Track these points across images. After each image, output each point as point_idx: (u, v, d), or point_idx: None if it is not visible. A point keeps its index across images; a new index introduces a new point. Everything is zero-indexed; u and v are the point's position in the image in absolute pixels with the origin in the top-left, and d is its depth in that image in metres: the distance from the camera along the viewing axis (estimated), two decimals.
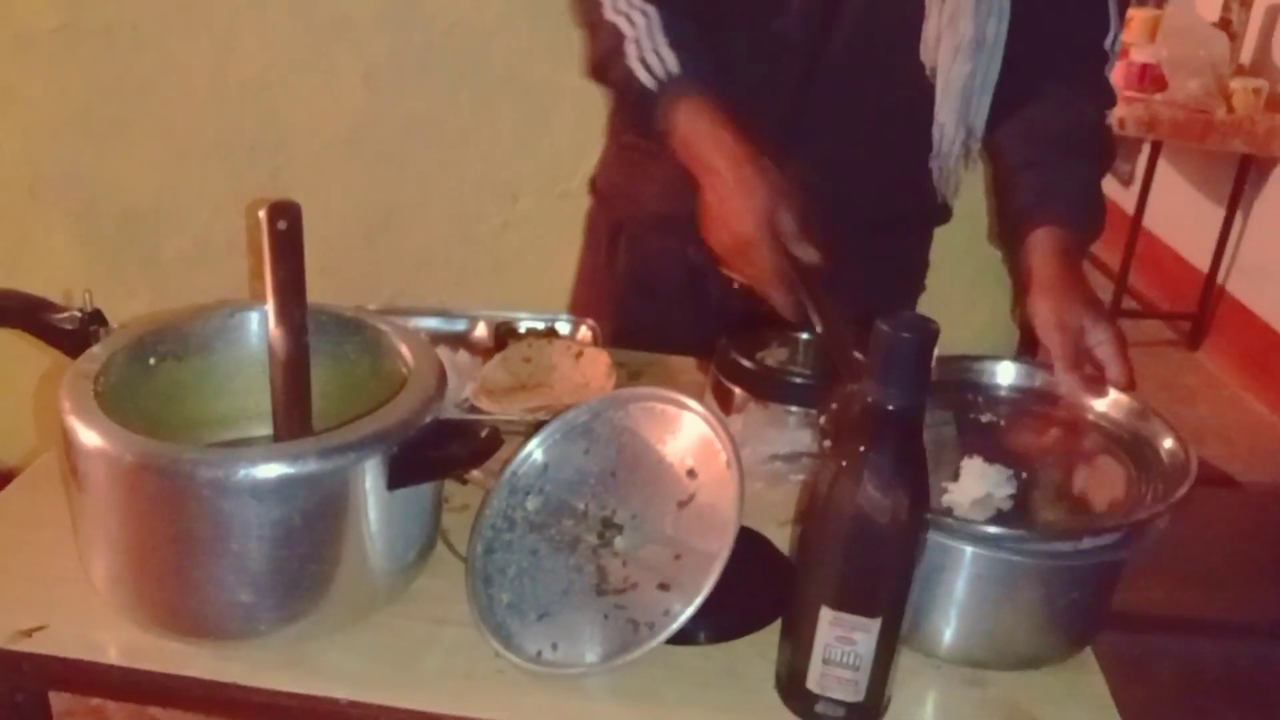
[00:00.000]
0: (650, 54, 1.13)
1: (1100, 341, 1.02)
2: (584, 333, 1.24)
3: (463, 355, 1.18)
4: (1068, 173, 1.16)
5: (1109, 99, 1.25)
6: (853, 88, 1.21)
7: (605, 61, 1.17)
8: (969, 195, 1.87)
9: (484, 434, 0.82)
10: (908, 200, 1.32)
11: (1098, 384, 1.00)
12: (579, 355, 1.19)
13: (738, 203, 1.06)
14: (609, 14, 1.16)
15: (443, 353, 1.09)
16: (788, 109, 1.22)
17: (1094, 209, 1.16)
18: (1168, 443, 0.93)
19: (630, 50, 1.14)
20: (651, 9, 1.15)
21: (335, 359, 0.97)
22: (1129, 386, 1.00)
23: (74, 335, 0.88)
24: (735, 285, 1.14)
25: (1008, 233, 1.16)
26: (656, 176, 1.30)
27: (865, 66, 1.20)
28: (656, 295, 1.36)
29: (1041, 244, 1.09)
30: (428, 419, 0.83)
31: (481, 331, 1.26)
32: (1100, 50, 1.22)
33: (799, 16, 1.18)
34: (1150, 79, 3.41)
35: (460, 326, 1.26)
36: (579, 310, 1.37)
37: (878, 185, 1.26)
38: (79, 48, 1.87)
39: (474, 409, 1.10)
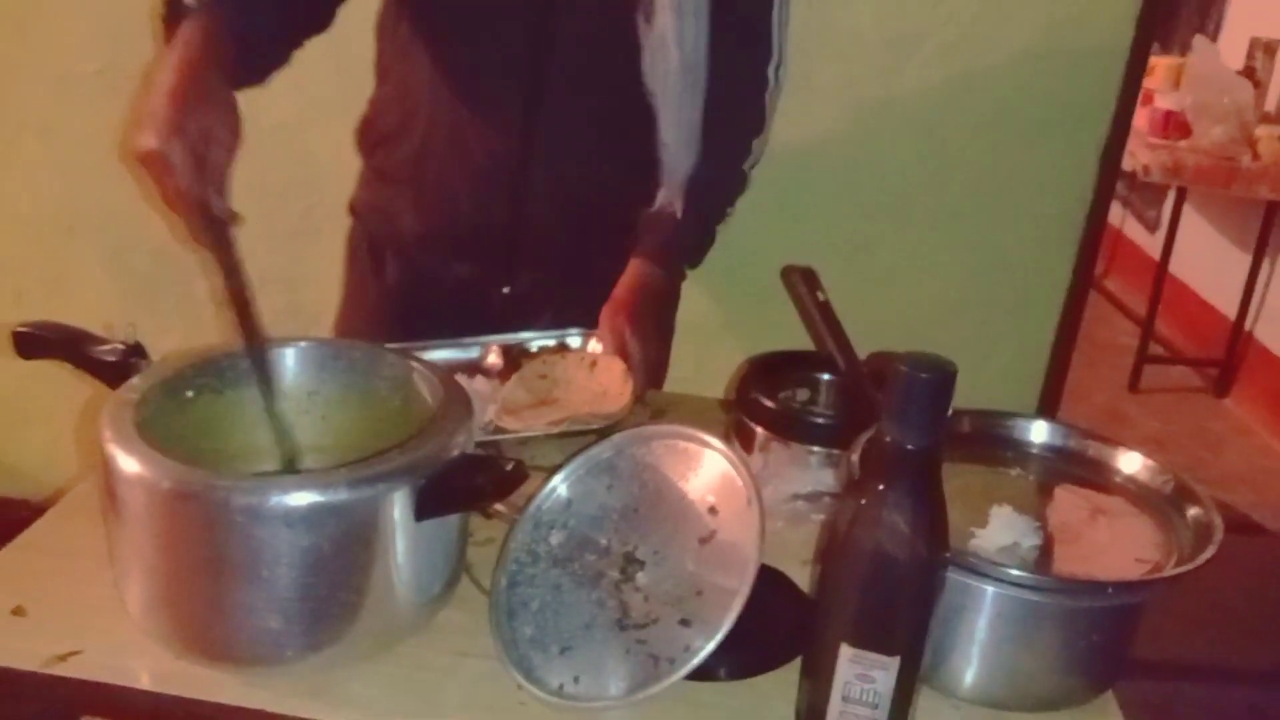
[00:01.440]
0: None
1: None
2: (594, 345, 1.26)
3: (480, 381, 1.20)
4: (670, 212, 1.27)
5: (758, 128, 1.33)
6: (582, 108, 1.26)
7: None
8: (992, 249, 1.90)
9: (509, 467, 0.83)
10: (645, 207, 1.33)
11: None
12: (593, 365, 1.21)
13: (154, 114, 0.96)
14: None
15: (460, 380, 1.11)
16: (524, 127, 1.26)
17: (687, 245, 1.30)
18: (1194, 508, 0.93)
19: None
20: None
21: (365, 394, 0.99)
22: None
23: (115, 367, 0.90)
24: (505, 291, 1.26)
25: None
26: (407, 196, 1.35)
27: (591, 88, 1.26)
28: (430, 310, 1.36)
29: (627, 273, 1.24)
30: (455, 452, 0.85)
31: (494, 357, 1.28)
32: (762, 75, 1.30)
33: (520, 40, 1.24)
34: (1174, 126, 3.43)
35: (473, 354, 1.28)
36: (345, 332, 1.41)
37: (615, 202, 1.30)
38: (118, 89, 1.93)
39: (499, 430, 1.12)
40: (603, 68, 1.25)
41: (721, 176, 1.32)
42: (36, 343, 0.92)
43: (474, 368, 1.26)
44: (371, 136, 1.41)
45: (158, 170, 0.95)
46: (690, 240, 1.31)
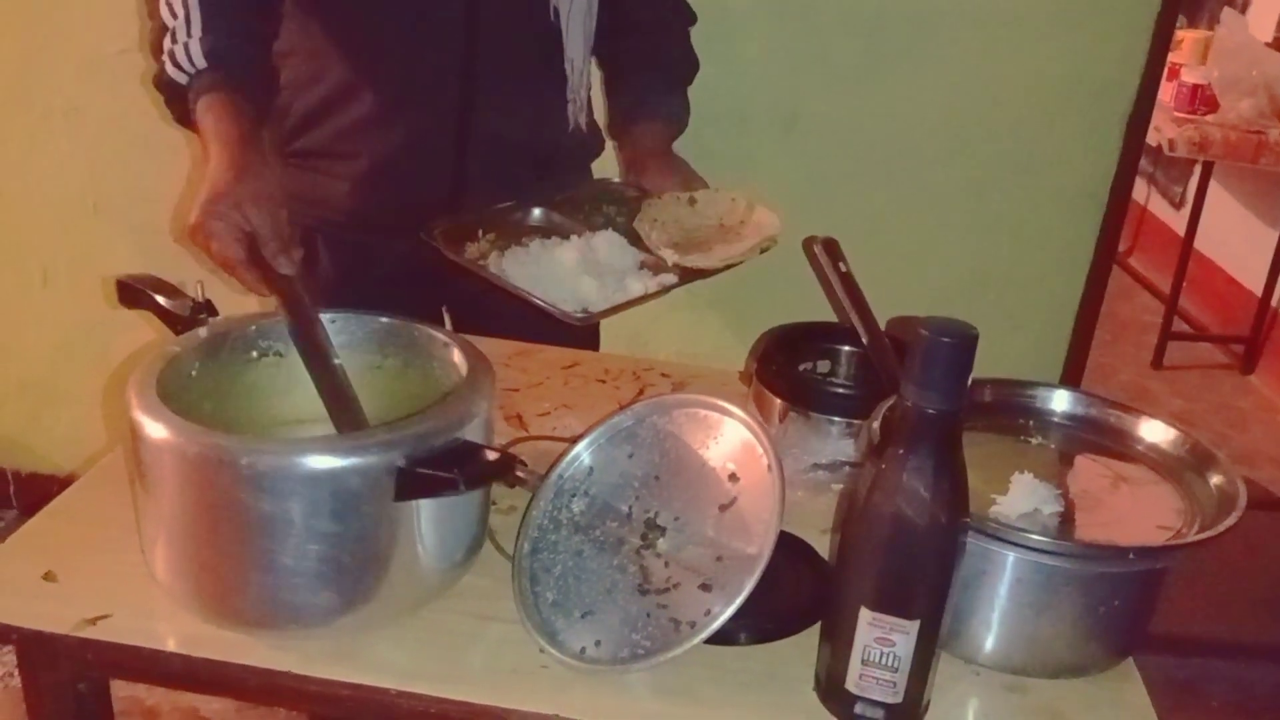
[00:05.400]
0: (180, 50, 1.13)
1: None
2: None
3: (568, 248, 1.22)
4: (659, 78, 1.46)
5: (691, 17, 1.51)
6: (508, 37, 1.33)
7: (155, 54, 1.16)
8: (1014, 223, 1.89)
9: (493, 457, 0.84)
10: (562, 135, 1.43)
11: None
12: (692, 202, 1.32)
13: (206, 187, 1.04)
14: (161, 3, 1.16)
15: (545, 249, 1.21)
16: (459, 59, 1.31)
17: (678, 108, 1.46)
18: (1217, 476, 0.92)
19: (167, 43, 1.14)
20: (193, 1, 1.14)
21: (423, 372, 0.99)
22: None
23: (186, 321, 0.95)
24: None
25: (617, 129, 1.49)
26: (340, 174, 1.36)
27: (515, 18, 1.33)
28: (369, 290, 1.27)
29: (643, 134, 1.42)
30: (440, 440, 0.82)
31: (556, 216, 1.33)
32: None
33: None
34: (1201, 100, 3.38)
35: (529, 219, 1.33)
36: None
37: (539, 123, 1.39)
38: (142, 69, 1.94)
39: (686, 270, 1.21)
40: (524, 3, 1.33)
41: (678, 53, 1.49)
42: (133, 293, 0.97)
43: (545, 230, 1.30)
44: (287, 123, 1.38)
45: (201, 241, 1.02)
46: (675, 111, 1.46)
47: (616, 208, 1.36)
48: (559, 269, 1.18)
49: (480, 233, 1.26)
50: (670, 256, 1.22)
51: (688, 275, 1.21)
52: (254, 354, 0.98)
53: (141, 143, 2.00)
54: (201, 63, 1.12)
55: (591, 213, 1.34)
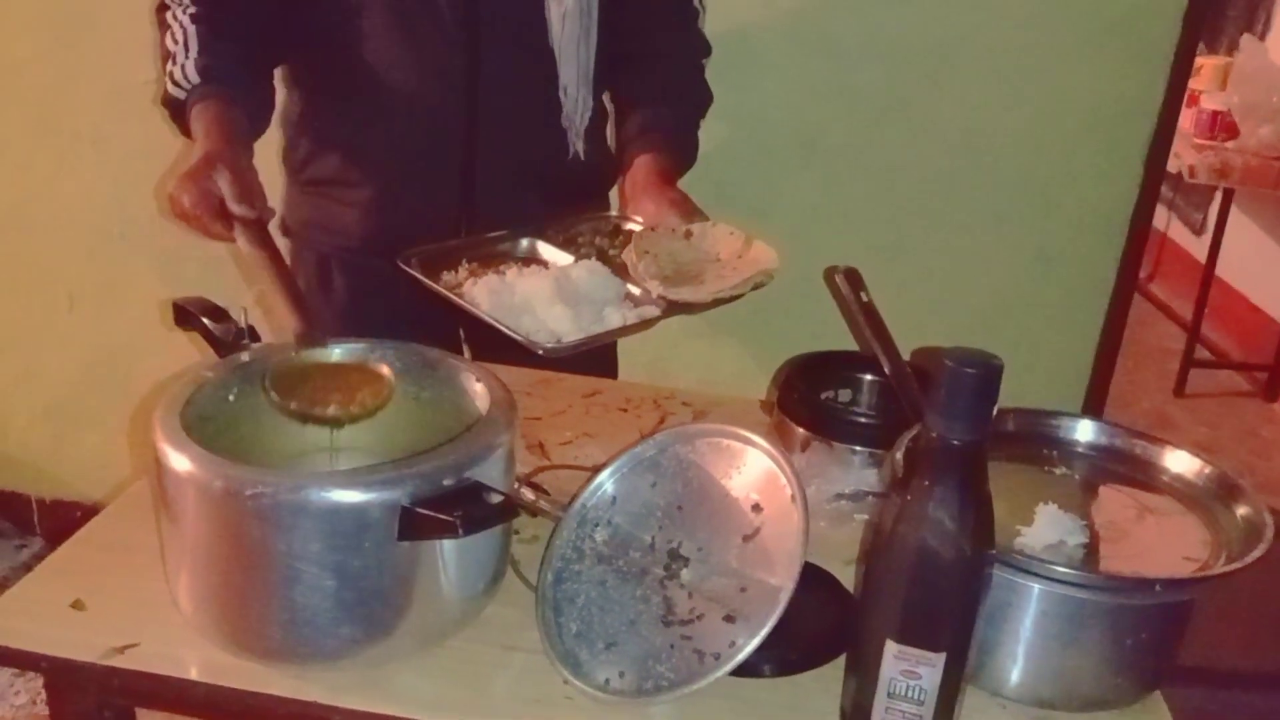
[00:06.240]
0: (179, 70, 1.25)
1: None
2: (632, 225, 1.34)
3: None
4: (666, 112, 1.42)
5: (705, 49, 1.49)
6: (509, 63, 1.36)
7: (165, 71, 1.28)
8: (1036, 251, 1.89)
9: (496, 501, 0.83)
10: (567, 162, 1.43)
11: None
12: (688, 235, 1.26)
13: (183, 167, 1.15)
14: (167, 21, 1.28)
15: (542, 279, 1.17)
16: (461, 88, 1.35)
17: (685, 141, 1.44)
18: (1243, 506, 0.92)
19: (169, 66, 1.26)
20: (190, 26, 1.26)
21: (455, 405, 0.99)
22: None
23: (228, 345, 0.97)
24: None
25: (619, 160, 1.43)
26: (350, 201, 1.40)
27: (516, 44, 1.35)
28: (385, 315, 1.34)
29: (642, 165, 1.36)
30: (448, 480, 0.82)
31: (546, 250, 1.30)
32: (690, 7, 1.46)
33: (448, 16, 1.32)
34: (1221, 126, 3.38)
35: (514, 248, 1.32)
36: None
37: (543, 150, 1.42)
38: None
39: (672, 303, 1.16)
40: (524, 29, 1.35)
41: (688, 87, 1.47)
42: (185, 314, 0.99)
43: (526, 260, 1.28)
44: (298, 153, 1.45)
45: (177, 211, 1.14)
46: (682, 144, 1.43)
47: (610, 239, 1.33)
48: (532, 298, 1.14)
49: (464, 260, 1.25)
50: (655, 288, 1.17)
51: (673, 309, 1.17)
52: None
53: (166, 170, 2.02)
54: (195, 79, 1.24)
55: (584, 244, 1.32)
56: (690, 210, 1.30)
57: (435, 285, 1.20)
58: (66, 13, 1.99)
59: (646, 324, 1.16)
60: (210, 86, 1.24)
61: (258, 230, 1.11)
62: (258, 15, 1.32)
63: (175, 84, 1.25)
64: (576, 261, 1.24)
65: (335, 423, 0.97)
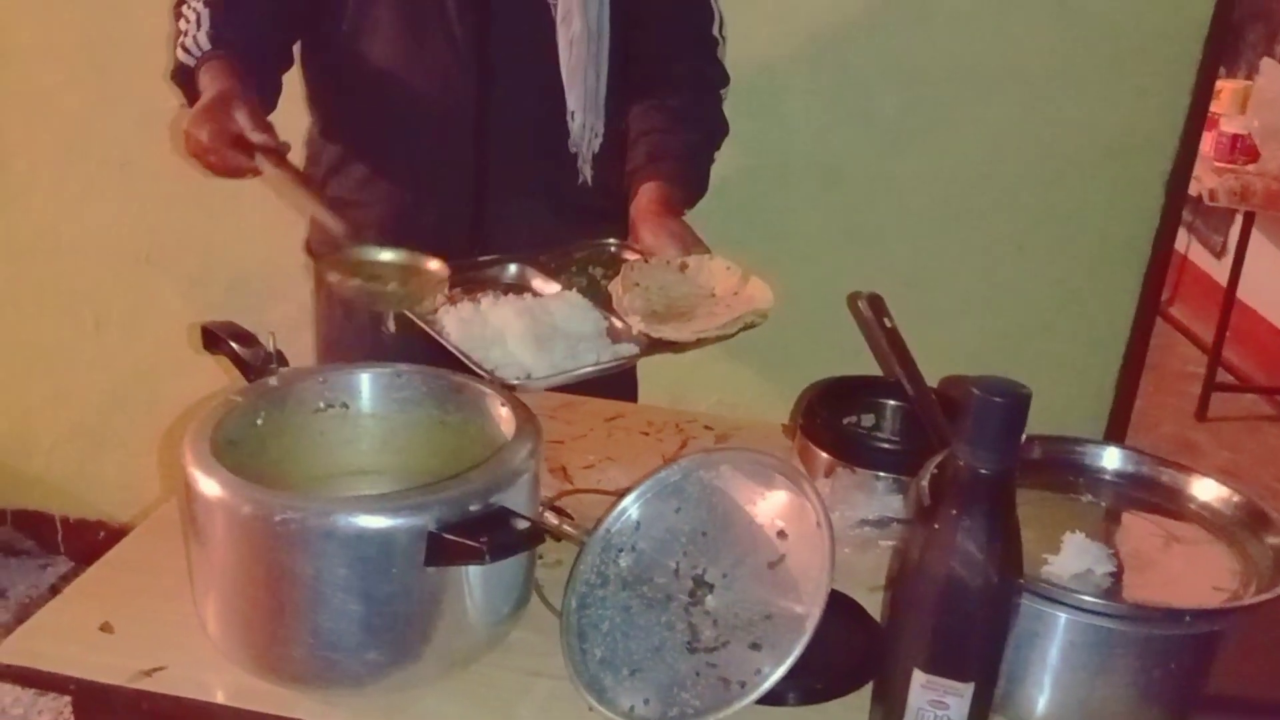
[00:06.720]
0: (190, 40, 1.28)
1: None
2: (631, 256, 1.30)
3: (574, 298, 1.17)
4: (675, 141, 1.39)
5: (723, 80, 1.48)
6: (519, 86, 1.37)
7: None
8: (1057, 276, 1.88)
9: (522, 527, 0.82)
10: (577, 187, 1.44)
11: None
12: (683, 268, 1.23)
13: (194, 109, 1.20)
14: (183, 12, 1.31)
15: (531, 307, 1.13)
16: (475, 113, 1.36)
17: (694, 171, 1.41)
18: (1273, 536, 0.91)
19: (180, 41, 1.29)
20: (204, 10, 1.29)
21: (481, 429, 0.99)
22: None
23: (255, 370, 0.98)
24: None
25: (627, 189, 1.39)
26: (366, 222, 1.38)
27: (527, 68, 1.37)
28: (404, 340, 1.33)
29: (646, 193, 1.34)
30: (482, 505, 0.82)
31: (538, 280, 1.25)
32: (710, 36, 1.45)
33: (460, 41, 1.34)
34: (1242, 150, 3.37)
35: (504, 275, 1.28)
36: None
37: (552, 174, 1.42)
38: None
39: (655, 341, 1.11)
40: (535, 53, 1.36)
41: (701, 116, 1.45)
42: (214, 338, 1.01)
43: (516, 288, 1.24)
44: (318, 172, 1.46)
45: (193, 148, 1.18)
46: (690, 174, 1.40)
47: (604, 269, 1.29)
48: (504, 329, 1.09)
49: (448, 285, 1.20)
50: (636, 324, 1.11)
51: (654, 346, 1.11)
52: (321, 404, 1.00)
53: (193, 196, 2.05)
54: (206, 45, 1.27)
55: (577, 273, 1.28)
56: (689, 242, 1.26)
57: (409, 311, 1.14)
58: (96, 40, 2.03)
59: (622, 363, 1.11)
60: (221, 50, 1.26)
61: (278, 155, 1.17)
62: (269, 26, 1.35)
63: (185, 51, 1.27)
64: (560, 292, 1.19)
65: (397, 302, 1.00)
